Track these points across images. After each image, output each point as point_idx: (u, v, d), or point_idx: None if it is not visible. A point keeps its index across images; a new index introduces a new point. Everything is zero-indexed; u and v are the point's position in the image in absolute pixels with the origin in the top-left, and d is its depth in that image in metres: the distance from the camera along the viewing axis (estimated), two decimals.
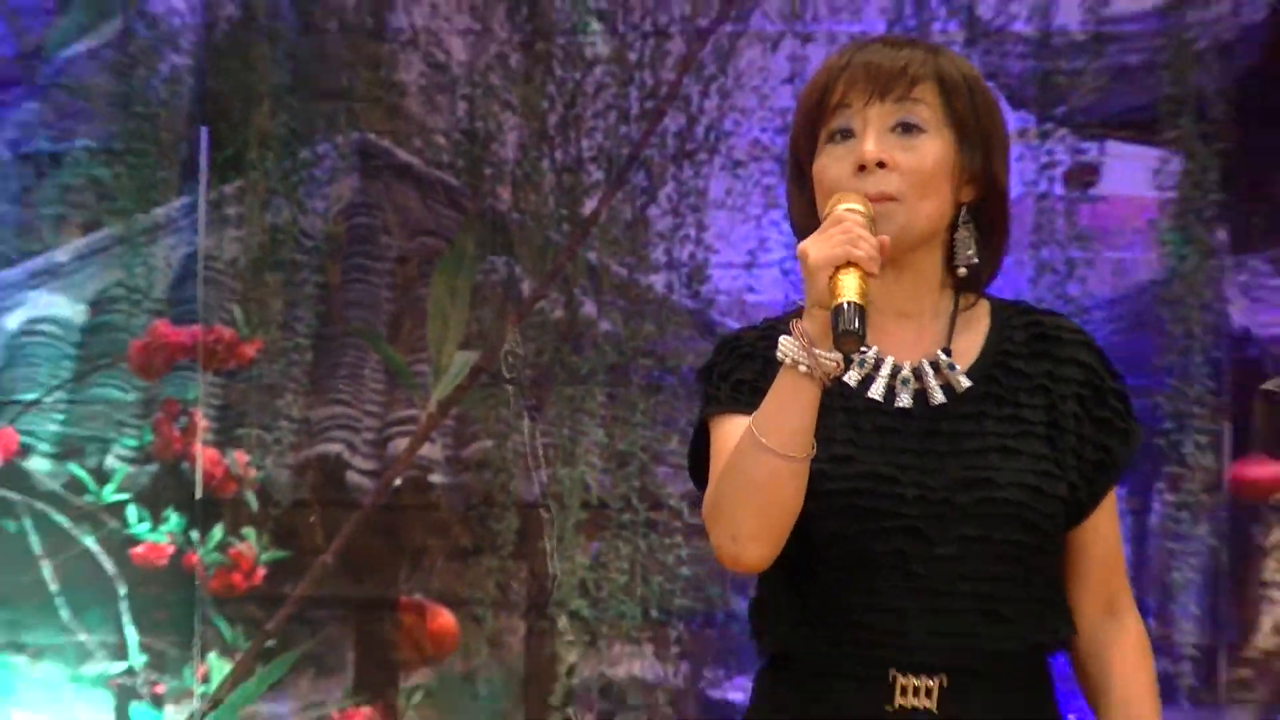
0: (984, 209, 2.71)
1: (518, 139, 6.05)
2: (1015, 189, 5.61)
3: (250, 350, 5.95)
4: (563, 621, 6.10)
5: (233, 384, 6.05)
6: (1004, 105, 5.30)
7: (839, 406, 2.72)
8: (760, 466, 2.67)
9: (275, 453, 6.02)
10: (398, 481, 5.99)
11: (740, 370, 2.80)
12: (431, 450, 6.00)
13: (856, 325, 2.52)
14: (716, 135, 6.09)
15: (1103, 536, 2.81)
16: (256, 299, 6.04)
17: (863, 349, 2.72)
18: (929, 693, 2.74)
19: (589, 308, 6.09)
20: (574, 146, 5.99)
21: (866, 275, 2.55)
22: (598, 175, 6.03)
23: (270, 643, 5.89)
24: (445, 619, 6.01)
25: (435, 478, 6.04)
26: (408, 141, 6.20)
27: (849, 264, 2.55)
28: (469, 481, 6.17)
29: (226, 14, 6.07)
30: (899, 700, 2.73)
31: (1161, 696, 4.87)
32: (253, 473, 5.96)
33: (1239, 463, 5.92)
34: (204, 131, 6.01)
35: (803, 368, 2.57)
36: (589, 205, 6.07)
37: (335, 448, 6.05)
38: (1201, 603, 6.05)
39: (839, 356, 2.55)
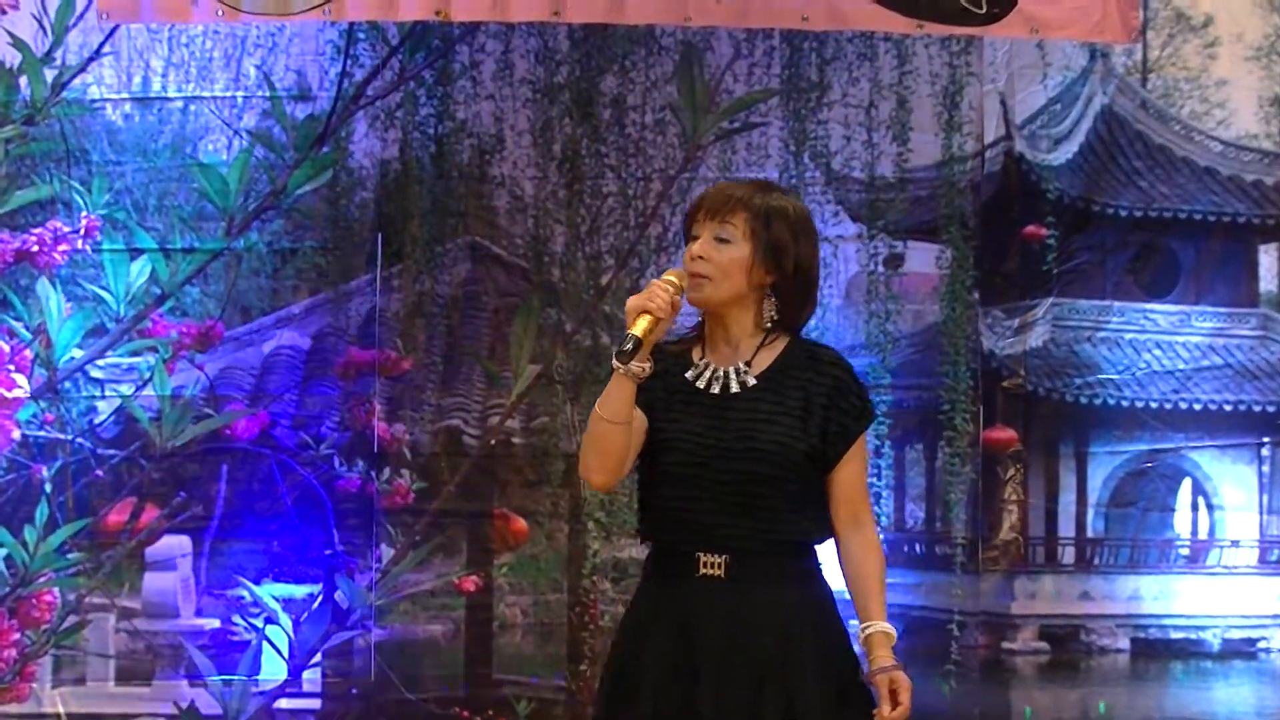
0: (781, 288, 3.74)
1: (563, 240, 7.34)
2: (853, 268, 7.54)
3: (406, 364, 7.26)
4: (590, 525, 7.30)
5: (395, 385, 7.29)
6: (845, 218, 7.06)
7: (679, 390, 3.78)
8: (599, 427, 3.67)
9: (420, 425, 7.28)
10: (493, 442, 7.28)
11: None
12: (512, 423, 7.29)
13: (629, 348, 3.56)
14: (678, 236, 6.22)
15: (846, 477, 3.79)
16: (409, 334, 7.28)
17: (696, 362, 3.73)
18: (719, 565, 3.72)
19: (605, 339, 7.28)
20: (597, 245, 7.34)
21: (655, 319, 3.58)
22: (610, 262, 7.33)
23: (416, 537, 7.19)
24: (520, 523, 7.30)
25: (515, 439, 7.32)
26: (498, 241, 7.44)
27: (645, 311, 3.59)
28: (534, 441, 7.32)
29: (394, 168, 7.27)
30: (701, 570, 3.71)
31: (940, 571, 6.68)
32: (407, 437, 7.22)
33: (988, 430, 7.41)
34: (379, 236, 7.28)
35: (619, 369, 3.62)
36: (605, 278, 7.35)
37: (456, 422, 7.34)
38: (968, 512, 7.38)
39: (628, 365, 3.59)
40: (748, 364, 3.74)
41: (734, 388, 3.73)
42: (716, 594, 3.70)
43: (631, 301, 3.60)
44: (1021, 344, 7.58)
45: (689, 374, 3.76)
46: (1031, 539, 7.61)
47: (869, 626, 3.76)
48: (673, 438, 3.72)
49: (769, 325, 3.75)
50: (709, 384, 3.74)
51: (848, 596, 3.83)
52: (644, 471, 3.79)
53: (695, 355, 3.81)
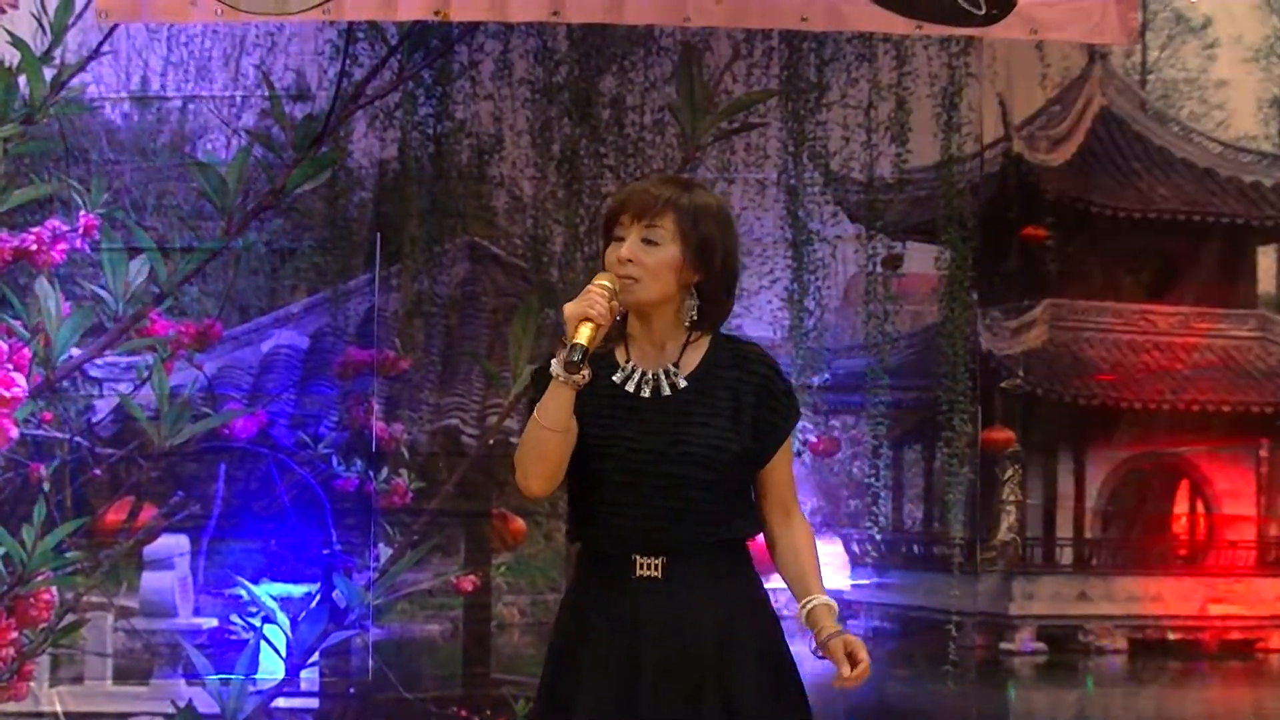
0: (705, 286, 3.72)
1: (562, 240, 7.37)
2: (852, 269, 7.59)
3: (404, 364, 7.33)
4: None
5: (394, 384, 7.35)
6: (844, 218, 7.16)
7: (606, 394, 3.72)
8: (538, 435, 3.63)
9: (419, 424, 7.33)
10: (491, 441, 7.30)
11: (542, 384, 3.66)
12: (510, 423, 7.23)
13: (577, 358, 3.53)
14: None
15: (777, 474, 3.81)
16: (408, 334, 7.34)
17: (625, 368, 3.65)
18: (656, 567, 3.69)
19: None
20: (595, 245, 7.05)
21: (597, 326, 3.54)
22: None
23: (414, 537, 7.23)
24: (518, 523, 7.37)
25: (514, 439, 6.87)
26: (497, 241, 7.52)
27: (586, 319, 3.54)
28: None
29: (392, 167, 7.31)
30: (638, 572, 3.69)
31: (938, 571, 6.78)
32: (405, 436, 7.27)
33: (986, 430, 7.40)
34: (377, 236, 7.32)
35: (561, 378, 3.57)
36: None
37: (454, 421, 7.40)
38: (966, 513, 7.32)
39: (573, 375, 3.55)
40: (676, 365, 3.72)
41: (665, 390, 3.70)
42: (655, 595, 3.69)
43: (570, 309, 3.57)
44: (1020, 345, 7.64)
45: (616, 377, 3.74)
46: (1029, 540, 7.68)
47: (809, 601, 3.72)
48: (603, 442, 3.69)
49: (691, 324, 3.72)
50: (638, 387, 3.71)
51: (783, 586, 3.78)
52: (574, 476, 3.75)
53: (619, 357, 3.77)
